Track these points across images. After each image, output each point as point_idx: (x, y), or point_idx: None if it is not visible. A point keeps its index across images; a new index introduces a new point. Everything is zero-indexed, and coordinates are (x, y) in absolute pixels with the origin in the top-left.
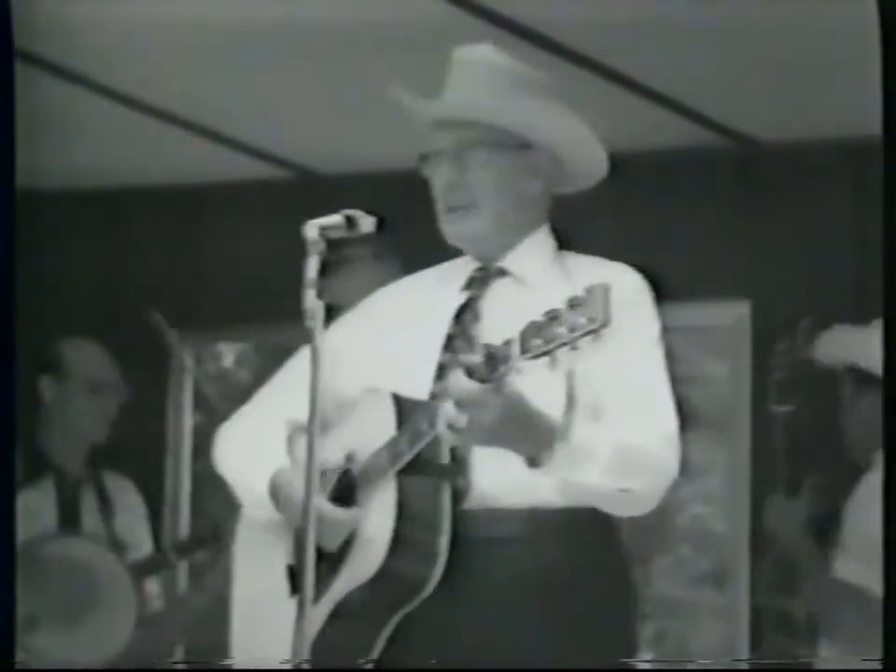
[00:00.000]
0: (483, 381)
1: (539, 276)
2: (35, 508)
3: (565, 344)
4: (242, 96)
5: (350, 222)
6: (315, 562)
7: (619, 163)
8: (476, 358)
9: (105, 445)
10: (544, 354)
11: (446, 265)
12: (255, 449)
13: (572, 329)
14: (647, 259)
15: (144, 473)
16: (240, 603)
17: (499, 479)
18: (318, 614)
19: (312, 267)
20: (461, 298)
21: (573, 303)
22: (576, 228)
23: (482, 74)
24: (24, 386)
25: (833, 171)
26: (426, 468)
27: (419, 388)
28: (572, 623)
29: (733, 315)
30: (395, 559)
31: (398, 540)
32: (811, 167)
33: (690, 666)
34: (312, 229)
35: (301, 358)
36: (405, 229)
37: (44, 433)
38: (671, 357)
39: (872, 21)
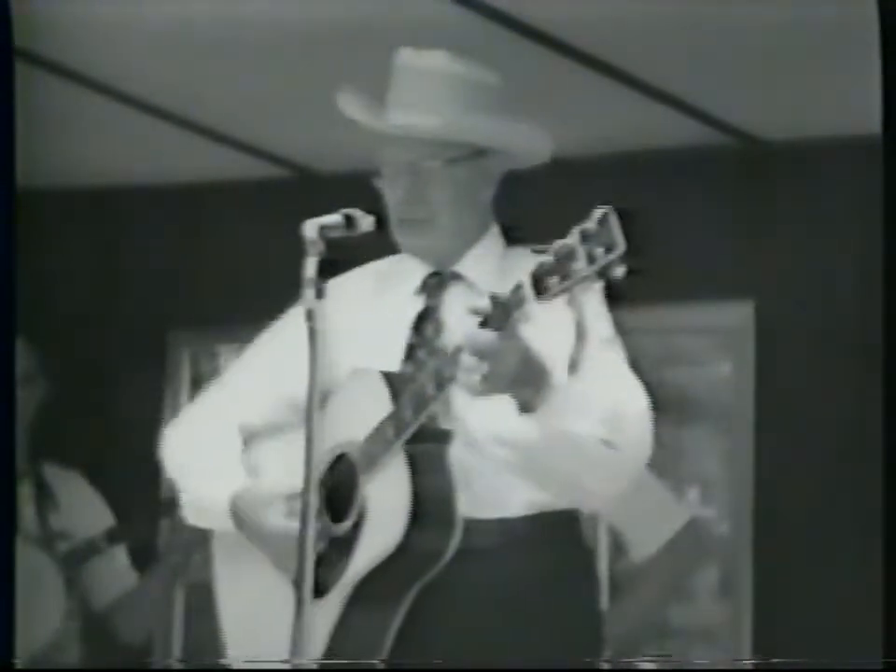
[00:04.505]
0: (497, 329)
1: (490, 279)
2: None
3: (586, 278)
4: (241, 95)
5: (349, 221)
6: (326, 549)
7: (621, 162)
8: (486, 306)
9: (45, 438)
10: (563, 292)
11: (384, 263)
12: (208, 462)
13: (591, 261)
14: (648, 259)
15: (139, 474)
16: (230, 616)
17: (468, 491)
18: (335, 601)
19: (310, 267)
20: (416, 304)
21: (585, 235)
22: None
23: (433, 87)
24: None
25: (833, 170)
26: (428, 436)
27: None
28: (545, 626)
29: (736, 316)
30: (413, 533)
31: (415, 513)
32: (812, 166)
33: (690, 666)
34: (311, 228)
35: (250, 357)
36: None
37: None
38: (674, 358)
39: (872, 21)
